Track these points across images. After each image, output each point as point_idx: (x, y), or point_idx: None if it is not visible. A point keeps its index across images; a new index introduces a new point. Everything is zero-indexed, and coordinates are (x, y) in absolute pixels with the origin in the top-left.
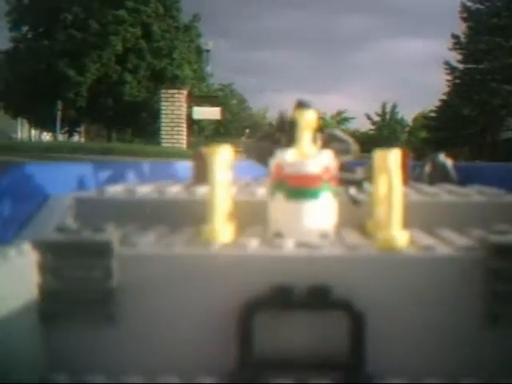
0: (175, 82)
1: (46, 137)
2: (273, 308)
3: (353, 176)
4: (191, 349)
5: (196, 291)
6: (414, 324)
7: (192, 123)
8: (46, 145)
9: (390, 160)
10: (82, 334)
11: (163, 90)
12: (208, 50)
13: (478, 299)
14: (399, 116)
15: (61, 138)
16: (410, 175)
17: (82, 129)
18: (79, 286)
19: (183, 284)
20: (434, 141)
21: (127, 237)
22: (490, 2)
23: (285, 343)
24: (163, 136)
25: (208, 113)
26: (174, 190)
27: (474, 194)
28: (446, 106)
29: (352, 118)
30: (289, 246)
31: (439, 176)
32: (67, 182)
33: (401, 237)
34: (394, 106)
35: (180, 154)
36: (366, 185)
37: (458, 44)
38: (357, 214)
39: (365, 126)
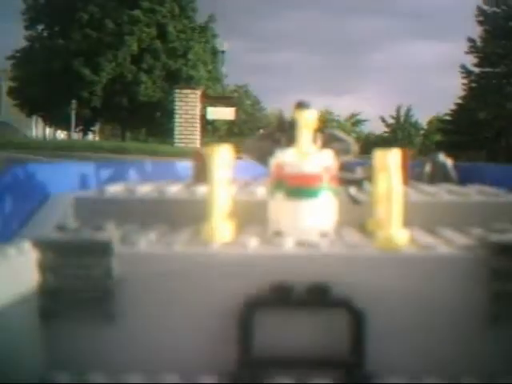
0: (190, 82)
1: (61, 135)
2: (273, 307)
3: (353, 176)
4: (191, 347)
5: (196, 290)
6: (413, 323)
7: (206, 123)
8: (58, 143)
9: (390, 160)
10: (81, 332)
11: (177, 90)
12: (223, 51)
13: (478, 298)
14: (414, 119)
15: (75, 136)
16: (410, 175)
17: (96, 128)
18: (79, 284)
19: (183, 283)
20: (449, 144)
21: (127, 236)
22: (507, 5)
23: (285, 342)
24: (177, 136)
25: (222, 113)
26: (174, 190)
27: (474, 193)
28: (461, 110)
29: (365, 121)
30: (288, 244)
31: (439, 176)
32: (68, 181)
33: (401, 236)
34: (409, 109)
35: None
36: (365, 184)
37: (474, 47)
38: (357, 214)
39: (379, 129)
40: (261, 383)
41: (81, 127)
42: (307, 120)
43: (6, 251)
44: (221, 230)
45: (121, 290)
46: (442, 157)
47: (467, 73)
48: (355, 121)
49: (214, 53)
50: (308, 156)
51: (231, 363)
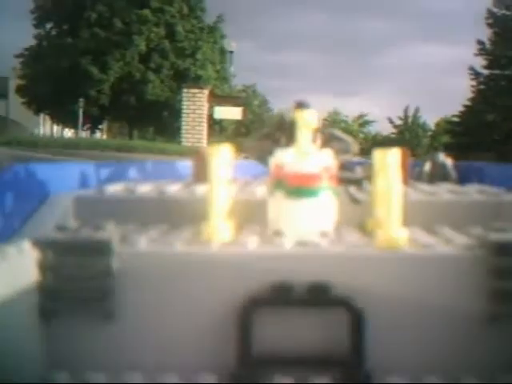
0: (198, 82)
1: (68, 133)
2: (272, 306)
3: (353, 175)
4: (191, 347)
5: (196, 289)
6: (413, 322)
7: (213, 123)
8: (65, 141)
9: (390, 159)
10: (81, 332)
11: (185, 89)
12: (231, 51)
13: (478, 297)
14: (421, 120)
15: (83, 134)
16: (410, 174)
17: (104, 126)
18: (79, 284)
19: (183, 282)
20: (457, 146)
21: (127, 235)
22: None
23: (284, 341)
24: (184, 135)
25: (229, 113)
26: (174, 189)
27: (474, 192)
28: (469, 112)
29: (373, 122)
30: (288, 244)
31: (439, 175)
32: (68, 181)
33: (400, 235)
34: (417, 110)
35: None
36: (365, 184)
37: (483, 50)
38: (356, 213)
39: (387, 130)
40: (261, 383)
41: (88, 125)
42: (307, 120)
43: (6, 251)
44: (221, 230)
45: (121, 289)
46: (442, 156)
47: (476, 75)
48: (363, 121)
49: (223, 53)
50: (308, 156)
51: (231, 363)
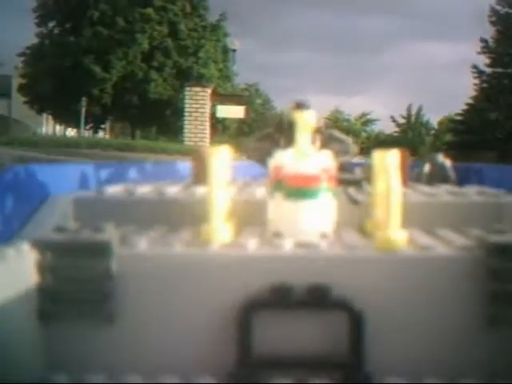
0: (201, 80)
1: (71, 133)
2: (272, 308)
3: (352, 176)
4: (190, 348)
5: (195, 291)
6: (412, 323)
7: (216, 122)
8: (66, 140)
9: (389, 160)
10: (81, 333)
11: (187, 88)
12: (234, 50)
13: (477, 299)
14: (424, 119)
15: (86, 134)
16: (409, 175)
17: (106, 125)
18: (78, 285)
19: (182, 284)
20: (460, 144)
21: (127, 237)
22: None
23: (284, 343)
24: (186, 134)
25: (232, 111)
26: (173, 190)
27: (473, 194)
28: (472, 110)
29: (376, 120)
30: (288, 245)
31: (438, 176)
32: (67, 182)
33: (400, 237)
34: (420, 109)
35: None
36: (364, 185)
37: (486, 48)
38: (356, 214)
39: (389, 129)
40: None
41: (91, 125)
42: (306, 121)
43: (6, 252)
44: (220, 231)
45: (120, 290)
46: (441, 157)
47: (479, 73)
48: (365, 120)
49: (225, 51)
50: (307, 157)
51: (231, 364)
